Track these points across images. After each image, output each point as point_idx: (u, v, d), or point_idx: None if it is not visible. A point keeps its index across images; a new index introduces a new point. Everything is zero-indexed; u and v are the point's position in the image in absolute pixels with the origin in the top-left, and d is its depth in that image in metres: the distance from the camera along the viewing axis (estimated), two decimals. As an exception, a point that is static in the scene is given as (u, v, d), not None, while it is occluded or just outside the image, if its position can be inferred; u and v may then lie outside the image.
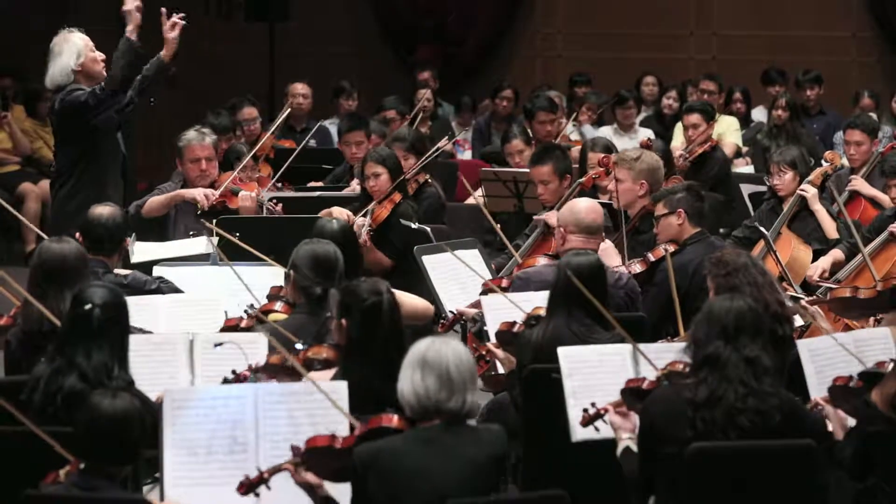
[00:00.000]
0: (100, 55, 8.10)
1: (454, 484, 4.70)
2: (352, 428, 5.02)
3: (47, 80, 8.08)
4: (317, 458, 4.88)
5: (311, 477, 4.87)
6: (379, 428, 4.87)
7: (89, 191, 7.85)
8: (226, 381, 5.61)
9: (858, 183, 9.41)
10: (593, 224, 7.09)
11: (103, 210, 6.81)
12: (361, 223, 8.20)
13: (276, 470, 4.89)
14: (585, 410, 5.42)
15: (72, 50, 8.00)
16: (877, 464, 5.20)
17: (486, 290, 6.95)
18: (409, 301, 6.78)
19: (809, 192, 8.70)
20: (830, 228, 8.61)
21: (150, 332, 6.04)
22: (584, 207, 7.16)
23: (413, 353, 4.83)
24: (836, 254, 8.35)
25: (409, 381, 4.79)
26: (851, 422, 5.42)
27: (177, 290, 6.97)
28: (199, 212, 8.27)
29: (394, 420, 4.86)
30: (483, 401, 6.75)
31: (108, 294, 5.46)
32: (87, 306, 5.38)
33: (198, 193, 8.33)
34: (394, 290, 6.57)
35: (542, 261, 7.35)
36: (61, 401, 5.30)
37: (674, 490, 5.06)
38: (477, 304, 7.07)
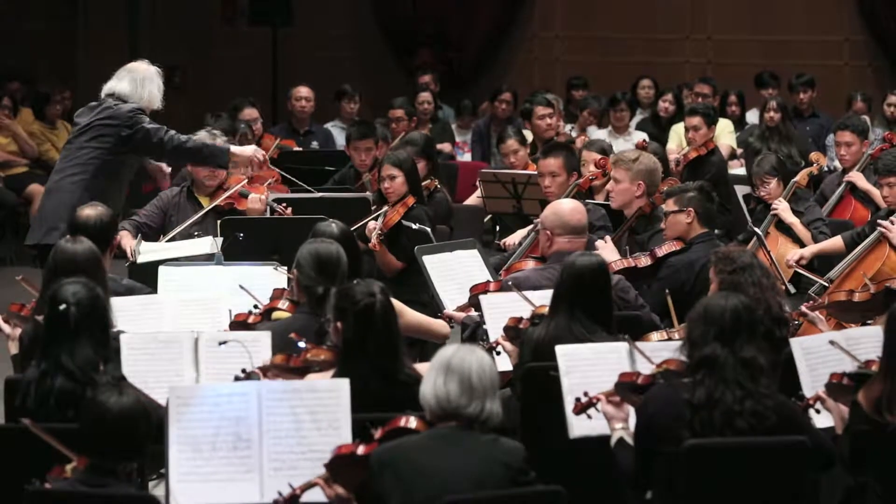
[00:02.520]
0: None
1: (462, 482, 4.69)
2: (358, 428, 5.03)
3: (123, 89, 8.11)
4: (342, 468, 4.88)
5: (341, 490, 4.87)
6: (398, 428, 4.89)
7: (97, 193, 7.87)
8: (237, 379, 5.61)
9: (855, 176, 9.43)
10: (579, 224, 7.08)
11: (91, 211, 6.77)
12: (373, 227, 8.20)
13: (309, 486, 4.90)
14: (578, 399, 5.42)
15: (160, 87, 8.20)
16: (865, 462, 5.21)
17: (475, 295, 6.94)
18: (422, 317, 6.79)
19: (780, 206, 8.71)
20: (806, 238, 8.62)
21: (123, 332, 5.96)
22: (569, 209, 7.14)
23: (438, 358, 4.84)
24: (831, 243, 8.35)
25: (432, 384, 4.80)
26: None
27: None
28: (127, 263, 8.23)
29: (412, 422, 4.88)
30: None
31: (82, 290, 5.40)
32: (62, 306, 5.35)
33: (126, 247, 8.20)
34: (411, 311, 6.62)
35: (529, 264, 7.34)
36: (55, 403, 5.29)
37: (670, 487, 5.07)
38: (465, 308, 7.05)
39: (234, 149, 8.39)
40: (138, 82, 8.15)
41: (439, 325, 6.87)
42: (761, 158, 9.23)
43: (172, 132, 8.09)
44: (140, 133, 8.02)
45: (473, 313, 6.96)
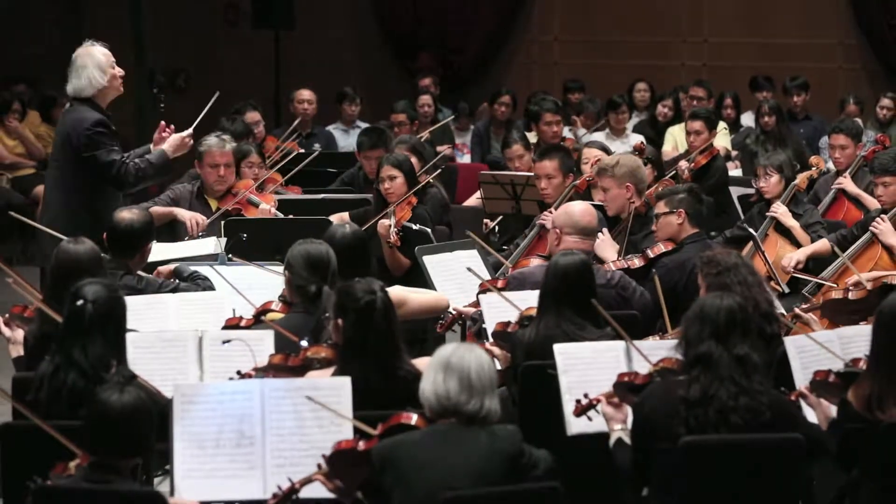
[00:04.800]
0: (119, 71, 7.95)
1: (463, 476, 4.72)
2: (356, 430, 5.05)
3: (70, 89, 7.93)
4: (342, 464, 4.89)
5: (340, 484, 4.89)
6: (399, 425, 4.91)
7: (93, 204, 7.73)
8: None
9: (845, 181, 9.44)
10: (588, 226, 7.13)
11: (126, 214, 6.81)
12: (388, 224, 8.20)
13: (307, 481, 4.92)
14: (578, 401, 5.44)
15: (99, 65, 7.84)
16: (857, 458, 5.22)
17: (483, 291, 6.96)
18: (424, 298, 6.83)
19: (779, 210, 8.72)
20: (805, 241, 8.60)
21: (135, 331, 5.98)
22: (580, 210, 7.19)
23: (438, 357, 4.87)
24: (822, 245, 8.36)
25: (432, 382, 4.83)
26: (834, 410, 5.44)
27: (207, 286, 6.94)
28: (187, 237, 8.25)
29: (413, 418, 4.90)
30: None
31: (101, 290, 5.43)
32: (80, 302, 5.37)
33: (189, 219, 8.27)
34: (407, 289, 6.65)
35: (535, 261, 7.38)
36: (66, 399, 5.31)
37: (667, 483, 5.08)
38: (475, 305, 7.09)
39: (168, 147, 7.94)
40: (83, 71, 7.84)
41: (439, 299, 6.95)
42: (773, 153, 9.26)
43: (128, 164, 7.74)
44: (98, 161, 7.71)
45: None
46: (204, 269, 7.02)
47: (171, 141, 8.00)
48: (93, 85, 7.83)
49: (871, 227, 8.07)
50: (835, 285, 7.51)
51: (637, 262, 7.52)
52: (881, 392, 5.12)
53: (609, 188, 8.05)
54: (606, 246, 7.61)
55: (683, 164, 10.29)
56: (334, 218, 8.47)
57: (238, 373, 5.61)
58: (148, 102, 12.94)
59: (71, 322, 5.41)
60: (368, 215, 8.49)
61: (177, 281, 6.91)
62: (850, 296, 7.12)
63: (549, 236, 7.24)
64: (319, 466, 4.91)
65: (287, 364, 5.66)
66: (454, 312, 7.16)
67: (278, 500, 4.90)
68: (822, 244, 8.37)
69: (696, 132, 10.51)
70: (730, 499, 5.12)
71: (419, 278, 7.76)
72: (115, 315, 5.45)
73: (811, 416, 5.56)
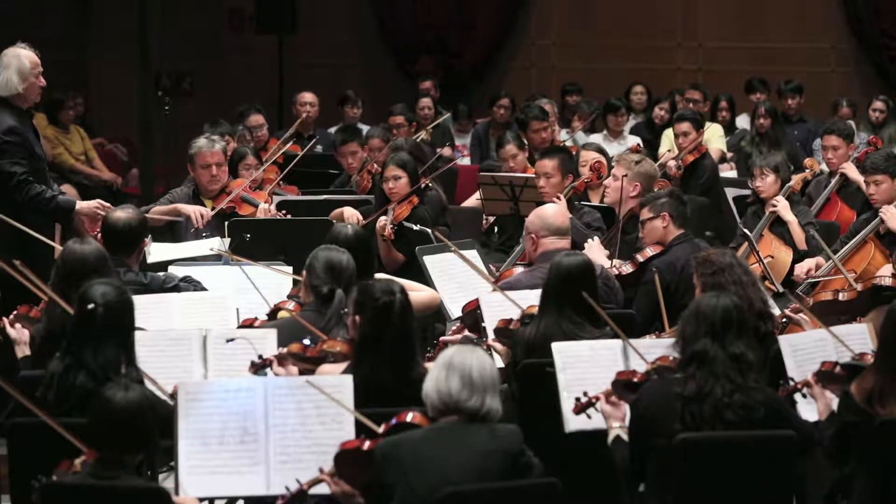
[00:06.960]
0: (41, 81, 7.73)
1: (463, 473, 4.73)
2: (358, 425, 5.05)
3: None
4: (348, 464, 4.89)
5: (346, 487, 4.90)
6: (402, 423, 4.92)
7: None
8: (253, 364, 5.67)
9: (848, 167, 9.42)
10: (563, 226, 7.13)
11: (122, 214, 6.81)
12: (384, 221, 8.27)
13: (315, 482, 4.92)
14: (578, 399, 5.46)
15: (20, 70, 7.62)
16: (852, 453, 5.23)
17: (467, 313, 6.91)
18: (420, 297, 6.84)
19: (780, 204, 8.72)
20: (800, 239, 8.62)
21: (144, 329, 5.95)
22: (552, 212, 7.23)
23: (441, 357, 4.91)
24: (820, 259, 8.38)
25: (434, 379, 4.86)
26: (836, 403, 5.44)
27: (201, 288, 6.97)
28: (192, 230, 8.24)
29: (416, 417, 4.91)
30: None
31: (112, 292, 5.41)
32: (91, 305, 5.36)
33: (193, 212, 8.26)
34: (414, 296, 6.66)
35: (517, 270, 7.36)
36: (75, 400, 5.29)
37: (662, 478, 5.09)
38: (460, 330, 7.05)
39: (79, 205, 7.68)
40: (3, 72, 7.63)
41: (433, 296, 7.03)
42: (769, 154, 9.30)
43: (30, 183, 7.50)
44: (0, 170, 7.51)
45: (468, 333, 6.96)
46: (227, 268, 7.04)
47: (88, 202, 7.77)
48: (7, 87, 7.65)
49: (880, 212, 8.05)
50: (837, 276, 7.51)
51: (627, 269, 7.53)
52: (884, 387, 5.14)
53: (619, 177, 8.10)
54: (595, 252, 7.60)
55: (672, 162, 10.38)
56: (339, 212, 8.54)
57: (260, 357, 5.66)
58: (152, 105, 12.94)
59: (81, 325, 5.39)
60: (368, 213, 8.53)
61: (176, 281, 6.92)
62: (841, 297, 7.12)
63: (526, 243, 7.23)
64: (321, 471, 4.91)
65: (305, 354, 5.69)
66: (439, 344, 7.13)
67: (286, 502, 4.90)
68: (818, 259, 8.37)
69: (684, 133, 10.66)
70: (725, 494, 5.13)
71: (415, 276, 7.78)
72: (125, 318, 5.45)
73: (807, 410, 5.58)
